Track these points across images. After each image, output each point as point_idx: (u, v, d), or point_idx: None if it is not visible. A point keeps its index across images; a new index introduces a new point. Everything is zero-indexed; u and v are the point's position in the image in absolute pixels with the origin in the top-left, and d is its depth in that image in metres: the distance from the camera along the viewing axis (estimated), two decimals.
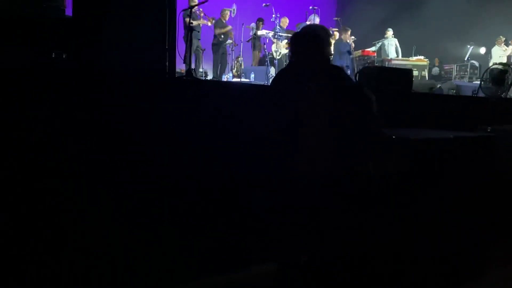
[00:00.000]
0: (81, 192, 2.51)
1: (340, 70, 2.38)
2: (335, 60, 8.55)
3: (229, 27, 8.48)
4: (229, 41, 8.61)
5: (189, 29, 5.83)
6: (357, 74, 3.87)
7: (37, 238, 2.40)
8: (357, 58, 10.09)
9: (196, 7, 7.11)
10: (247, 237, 2.93)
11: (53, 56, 2.88)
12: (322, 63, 2.37)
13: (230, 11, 8.63)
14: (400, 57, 10.53)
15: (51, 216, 2.43)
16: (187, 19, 7.29)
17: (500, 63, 6.76)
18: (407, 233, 2.54)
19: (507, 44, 9.91)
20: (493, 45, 10.26)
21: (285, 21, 9.30)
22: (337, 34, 9.59)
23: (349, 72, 8.65)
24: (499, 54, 9.81)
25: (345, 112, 2.14)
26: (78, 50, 2.96)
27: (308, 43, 2.41)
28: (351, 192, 2.19)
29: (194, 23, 7.64)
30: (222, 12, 8.41)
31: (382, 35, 10.77)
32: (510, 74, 5.93)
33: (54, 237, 2.44)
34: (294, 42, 2.48)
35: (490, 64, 8.90)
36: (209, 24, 8.16)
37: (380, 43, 10.63)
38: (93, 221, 2.54)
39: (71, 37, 3.01)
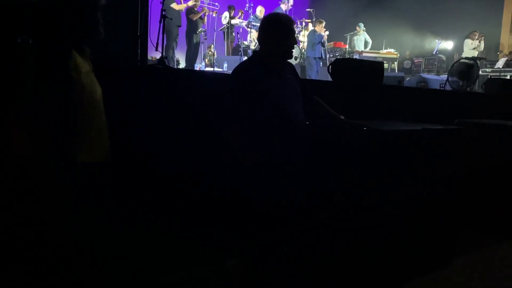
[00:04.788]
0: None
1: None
2: (308, 51, 8.59)
3: (202, 12, 8.28)
4: (202, 29, 8.49)
5: (161, 16, 5.71)
6: (330, 66, 3.90)
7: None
8: (328, 50, 10.19)
9: None
10: (222, 229, 2.93)
11: (18, 41, 2.77)
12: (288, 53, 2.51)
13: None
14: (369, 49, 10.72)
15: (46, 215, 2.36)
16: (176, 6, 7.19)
17: (467, 58, 6.97)
18: (375, 223, 2.60)
19: (478, 39, 10.02)
20: (462, 39, 10.40)
21: (261, 10, 9.23)
22: (310, 26, 9.63)
23: (321, 63, 8.73)
24: (469, 47, 9.92)
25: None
26: (45, 36, 2.85)
27: (280, 32, 2.41)
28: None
29: (177, 8, 7.48)
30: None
31: (353, 27, 10.90)
32: (476, 69, 6.13)
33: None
34: (268, 30, 2.46)
35: (463, 55, 9.09)
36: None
37: (350, 36, 10.76)
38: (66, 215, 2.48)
39: (37, 21, 2.89)
